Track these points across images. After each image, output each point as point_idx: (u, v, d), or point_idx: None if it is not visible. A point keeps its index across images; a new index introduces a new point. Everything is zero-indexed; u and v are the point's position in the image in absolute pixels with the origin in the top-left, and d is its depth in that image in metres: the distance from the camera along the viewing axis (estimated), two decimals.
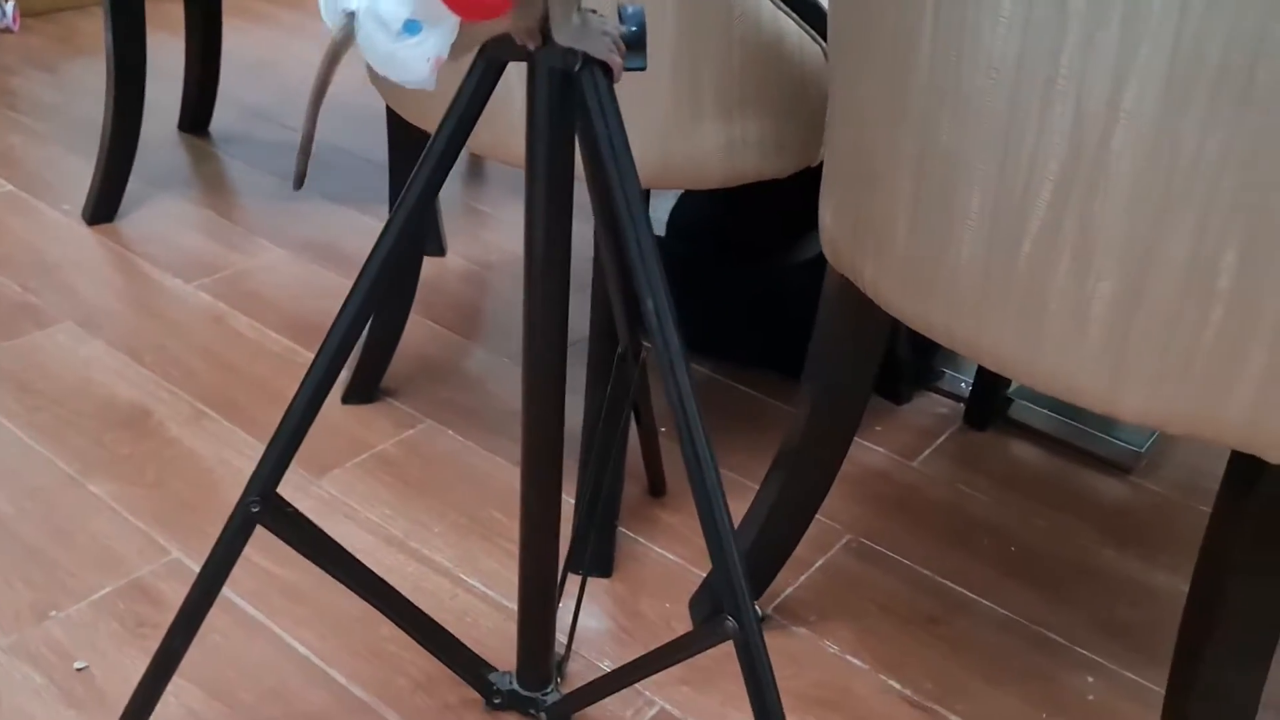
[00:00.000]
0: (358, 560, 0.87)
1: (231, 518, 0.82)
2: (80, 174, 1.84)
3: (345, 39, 0.66)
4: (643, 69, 0.71)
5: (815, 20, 0.99)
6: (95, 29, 2.56)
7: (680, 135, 0.98)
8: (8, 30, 2.52)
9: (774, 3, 0.95)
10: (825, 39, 0.99)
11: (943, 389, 1.48)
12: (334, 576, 0.86)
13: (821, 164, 1.06)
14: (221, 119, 2.14)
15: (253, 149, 2.07)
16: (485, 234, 1.81)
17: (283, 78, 2.42)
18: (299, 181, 0.76)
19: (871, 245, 0.80)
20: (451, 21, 0.63)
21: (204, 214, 1.82)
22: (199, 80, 2.07)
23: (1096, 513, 1.28)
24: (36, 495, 1.18)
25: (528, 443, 0.84)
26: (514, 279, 1.67)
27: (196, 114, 2.10)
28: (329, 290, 1.60)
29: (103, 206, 1.74)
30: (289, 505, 0.83)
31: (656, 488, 1.26)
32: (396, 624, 0.91)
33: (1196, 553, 0.82)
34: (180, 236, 1.74)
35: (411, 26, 0.63)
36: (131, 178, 1.76)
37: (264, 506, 0.81)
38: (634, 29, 0.70)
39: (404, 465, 1.27)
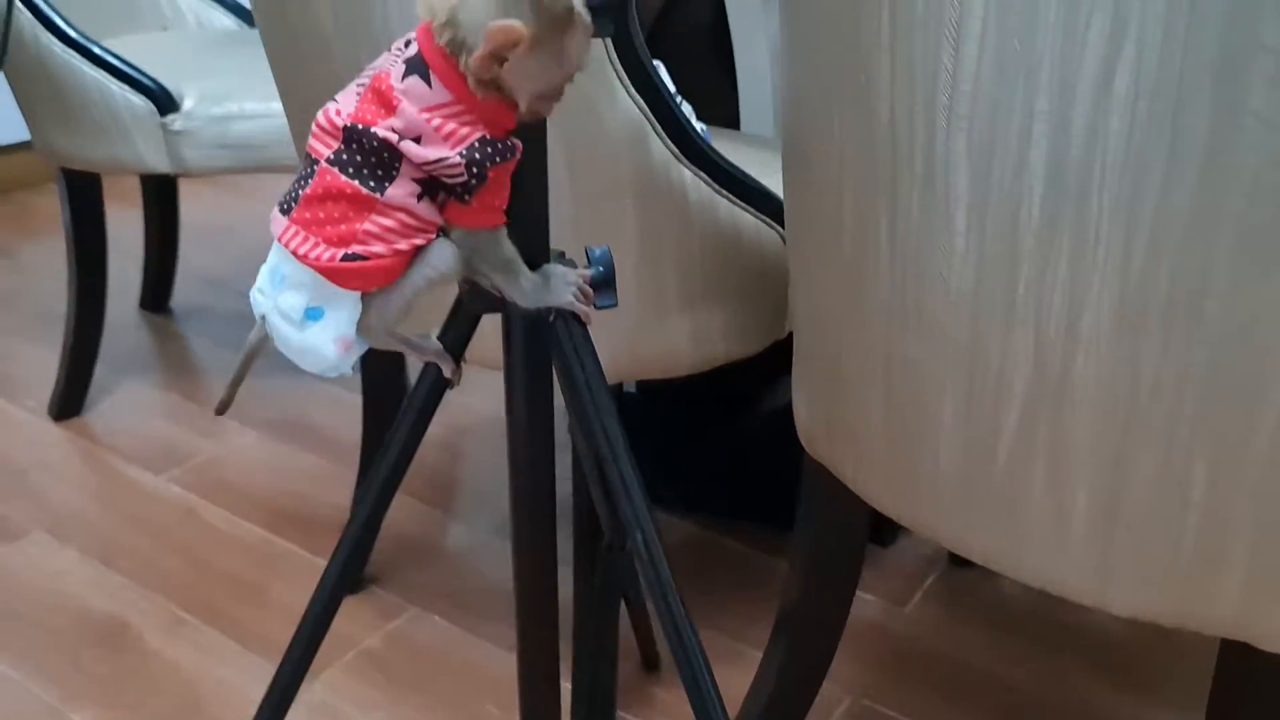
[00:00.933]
0: None
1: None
2: (43, 365, 1.83)
3: (260, 341, 0.68)
4: (614, 305, 0.72)
5: (770, 207, 1.01)
6: (50, 207, 2.58)
7: (648, 332, 1.00)
8: None
9: (728, 199, 0.97)
10: (781, 224, 1.02)
11: None
12: None
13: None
14: (181, 291, 2.15)
15: (214, 323, 2.08)
16: (459, 396, 1.81)
17: (240, 242, 2.44)
18: (222, 409, 0.77)
19: (848, 445, 0.82)
20: (352, 299, 0.64)
21: (170, 399, 1.81)
22: (158, 257, 2.08)
23: (1090, 648, 1.28)
24: None
25: (523, 648, 0.83)
26: (491, 444, 1.67)
27: (157, 291, 2.10)
28: (301, 472, 1.59)
29: (69, 401, 1.73)
30: None
31: (650, 662, 1.24)
32: None
33: (1191, 684, 0.82)
34: (147, 425, 1.73)
35: (313, 313, 0.64)
36: (96, 364, 1.76)
37: None
38: (600, 269, 0.72)
39: (393, 661, 1.25)
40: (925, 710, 1.18)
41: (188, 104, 1.51)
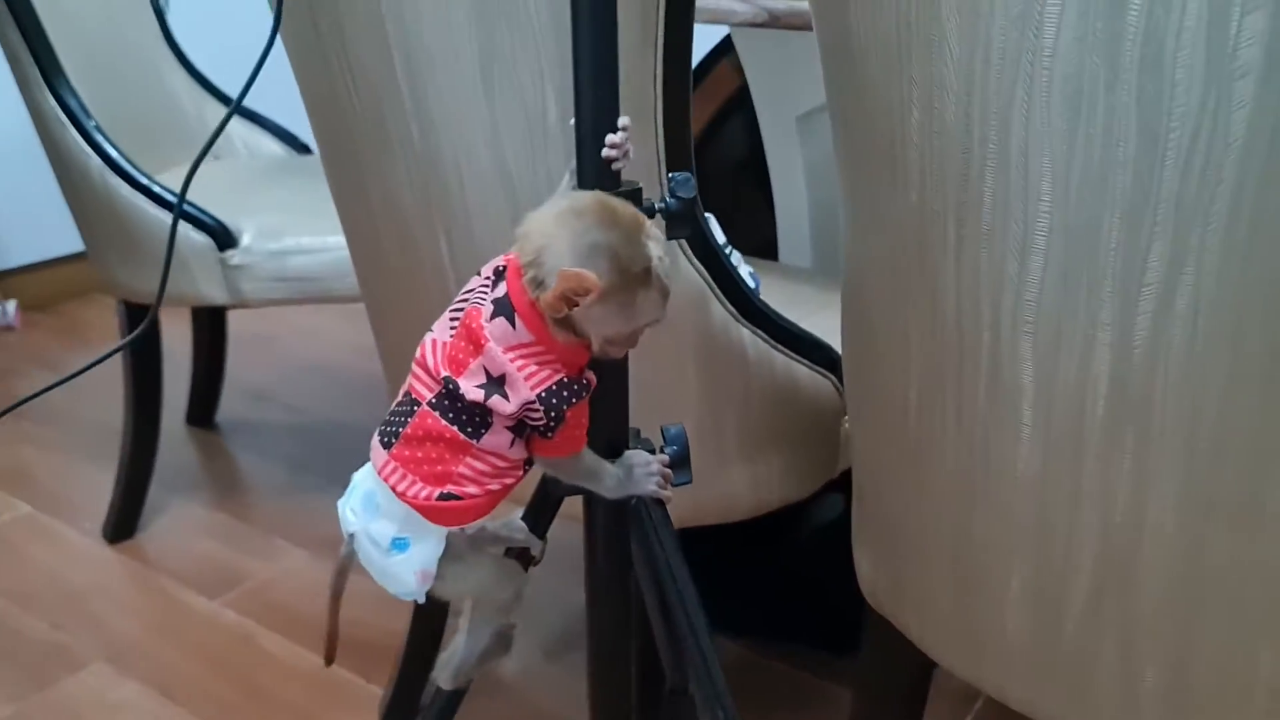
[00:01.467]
0: None
1: None
2: (96, 484, 1.87)
3: (349, 556, 0.72)
4: (689, 483, 0.76)
5: (822, 357, 1.05)
6: (98, 318, 2.65)
7: (709, 483, 1.03)
8: (9, 328, 2.60)
9: (784, 353, 1.01)
10: (833, 374, 1.06)
11: None
12: None
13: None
14: (226, 404, 2.19)
15: (260, 437, 2.12)
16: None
17: (281, 352, 2.50)
18: (330, 659, 0.80)
19: (913, 606, 0.84)
20: (437, 535, 0.68)
21: (220, 519, 1.85)
22: (206, 373, 2.13)
23: None
24: None
25: None
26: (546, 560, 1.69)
27: (204, 406, 2.15)
28: (353, 595, 1.61)
29: (123, 524, 1.77)
30: None
31: None
32: None
33: None
34: (200, 547, 1.76)
35: (399, 544, 0.68)
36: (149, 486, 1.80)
37: None
38: (676, 449, 0.75)
39: None
40: None
41: (245, 239, 1.57)
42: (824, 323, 1.06)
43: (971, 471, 0.73)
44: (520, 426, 0.65)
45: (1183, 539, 0.65)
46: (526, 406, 0.63)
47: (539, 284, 0.61)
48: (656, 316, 0.63)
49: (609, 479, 0.71)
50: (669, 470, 0.74)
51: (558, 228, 0.61)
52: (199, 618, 1.58)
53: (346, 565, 0.71)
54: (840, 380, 1.08)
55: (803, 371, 1.03)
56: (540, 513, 0.76)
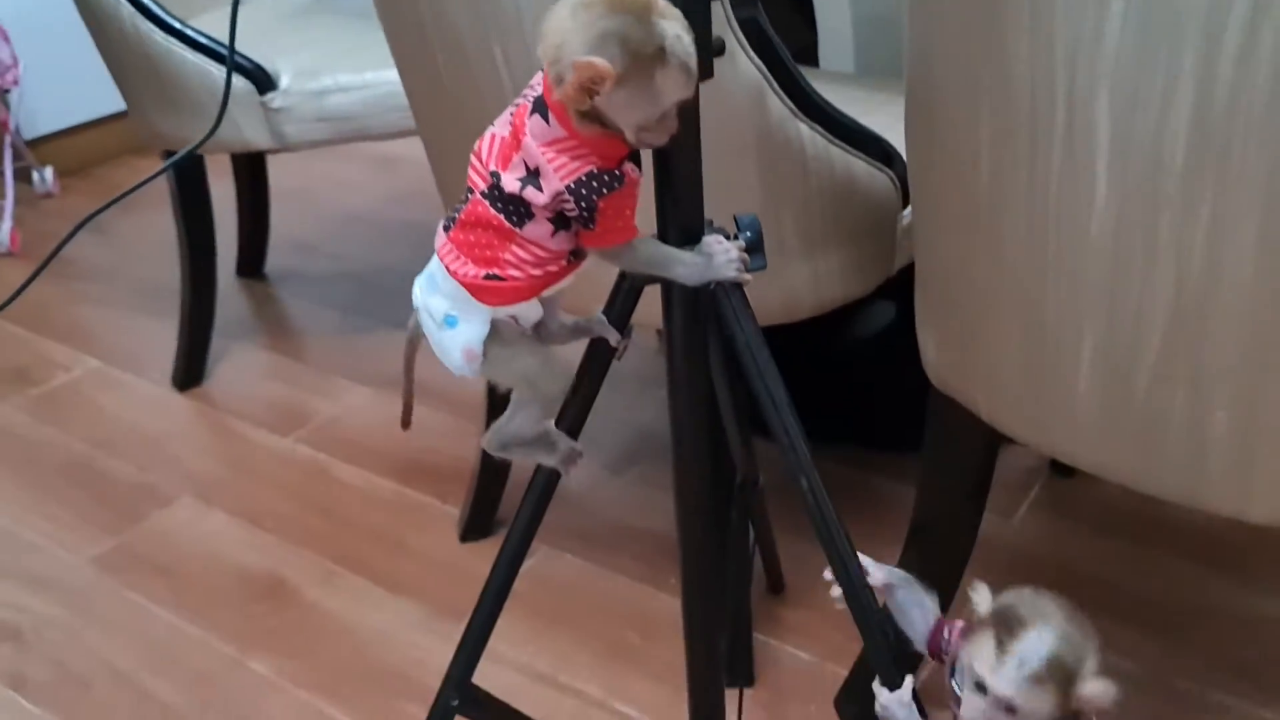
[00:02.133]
0: None
1: (431, 713, 0.89)
2: (158, 337, 1.92)
3: (415, 328, 0.76)
4: (764, 267, 0.77)
5: (879, 151, 1.05)
6: (133, 180, 2.66)
7: (770, 279, 1.04)
8: (49, 195, 2.62)
9: (842, 148, 1.02)
10: (888, 166, 1.06)
11: None
12: None
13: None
14: (271, 257, 2.22)
15: (308, 285, 2.15)
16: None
17: (321, 205, 2.51)
18: (407, 423, 0.84)
19: (982, 383, 0.87)
20: (482, 317, 0.72)
21: (280, 361, 1.90)
22: (252, 225, 2.15)
23: (1197, 546, 1.34)
24: (207, 681, 1.25)
25: (687, 580, 0.90)
26: (605, 384, 1.74)
27: (252, 258, 2.18)
28: (421, 426, 1.67)
29: (191, 371, 1.82)
30: (482, 691, 0.89)
31: (775, 585, 1.32)
32: None
33: None
34: (265, 390, 1.82)
35: (450, 320, 0.73)
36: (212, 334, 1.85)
37: (462, 699, 0.88)
38: (750, 234, 0.77)
39: (533, 597, 1.34)
40: None
41: (284, 81, 1.57)
42: (878, 121, 1.05)
43: (1044, 237, 0.74)
44: (561, 219, 0.67)
45: (1261, 284, 0.66)
46: (558, 197, 0.65)
47: (560, 80, 0.62)
48: (682, 95, 0.63)
49: (682, 266, 0.73)
50: (746, 255, 0.75)
51: (571, 21, 0.62)
52: (274, 454, 1.65)
53: (414, 337, 0.77)
54: (897, 175, 1.08)
55: (860, 166, 1.04)
56: (621, 305, 0.78)
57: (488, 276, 0.69)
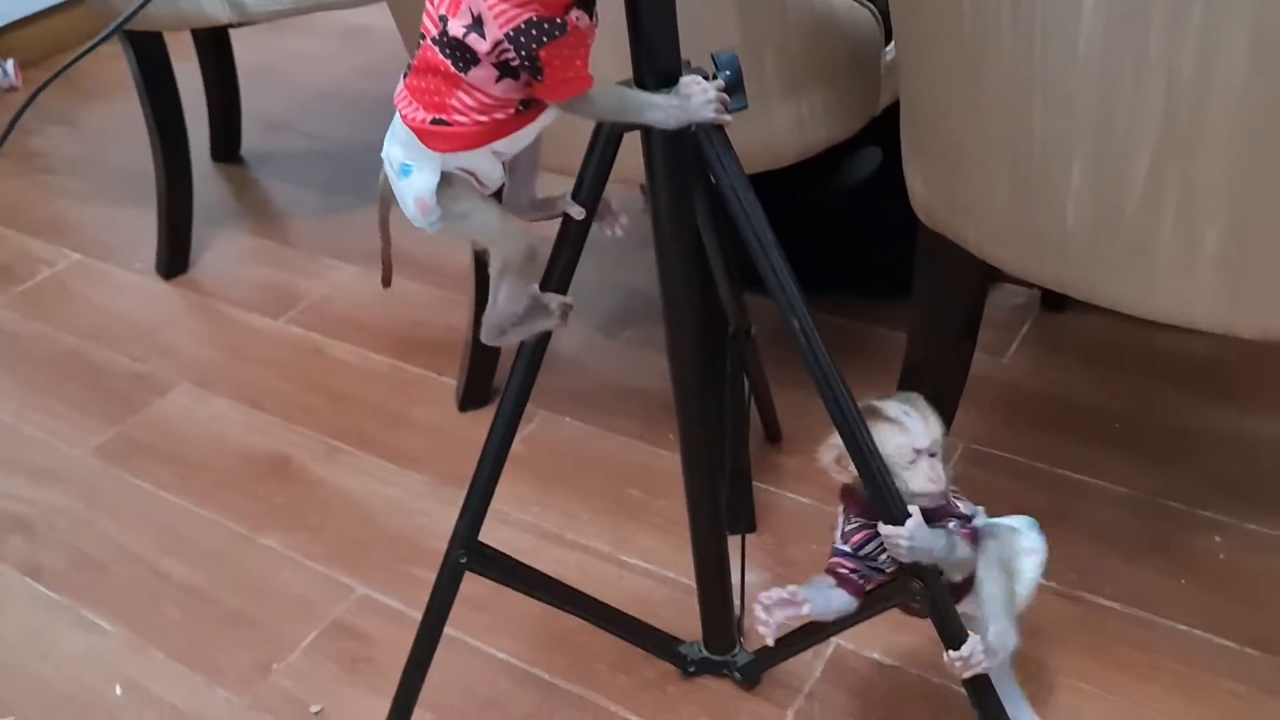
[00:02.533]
0: (556, 580, 0.96)
1: (441, 571, 0.91)
2: (137, 227, 1.89)
3: (385, 182, 0.75)
4: (745, 107, 0.76)
5: None
6: (98, 70, 2.58)
7: (753, 123, 1.02)
8: (13, 89, 2.55)
9: None
10: (871, 2, 1.03)
11: (1015, 278, 1.53)
12: (538, 599, 0.96)
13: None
14: (246, 139, 2.18)
15: (286, 166, 2.12)
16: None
17: (290, 82, 2.45)
18: (387, 280, 0.84)
19: (971, 216, 0.86)
20: (431, 166, 0.70)
21: (265, 245, 1.88)
22: (223, 107, 2.10)
23: (1186, 372, 1.35)
24: (219, 559, 1.28)
25: (685, 433, 0.92)
26: (592, 249, 1.72)
27: (226, 140, 2.13)
28: (409, 300, 1.66)
29: (175, 259, 1.80)
30: (489, 548, 0.91)
31: (772, 434, 1.34)
32: (593, 623, 1.01)
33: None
34: (252, 273, 1.80)
35: (405, 169, 0.71)
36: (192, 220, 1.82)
37: (470, 555, 0.90)
38: (729, 73, 0.75)
39: (536, 460, 1.35)
40: (1034, 449, 1.27)
41: None
42: None
43: (1030, 61, 0.72)
44: (507, 68, 0.66)
45: (1252, 93, 0.65)
46: (499, 46, 0.64)
47: None
48: None
49: (657, 110, 0.71)
50: (725, 95, 0.73)
51: None
52: (267, 337, 1.65)
53: (385, 193, 0.75)
54: (878, 9, 1.05)
55: (840, 1, 1.01)
56: (600, 157, 0.76)
57: (434, 121, 0.68)
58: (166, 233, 1.79)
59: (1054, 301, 1.48)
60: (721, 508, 0.97)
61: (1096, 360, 1.39)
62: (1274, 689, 0.99)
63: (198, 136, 2.12)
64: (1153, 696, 1.00)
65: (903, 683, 1.04)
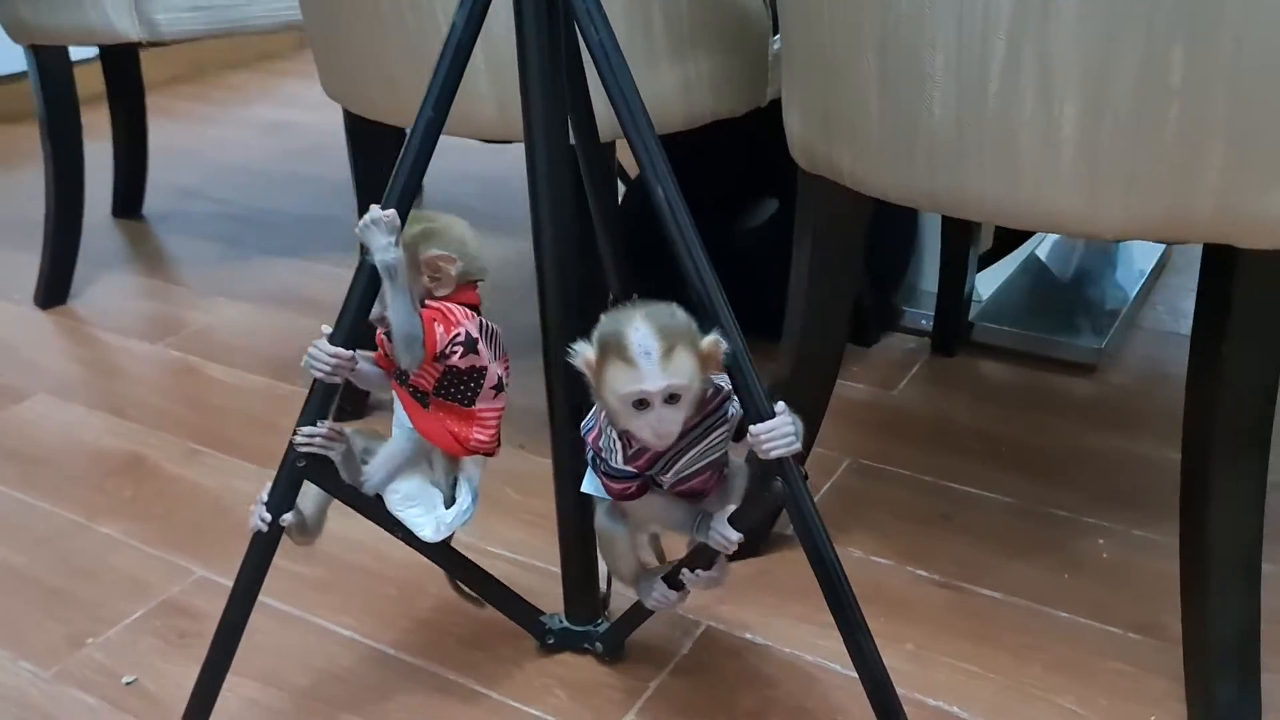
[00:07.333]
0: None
1: (278, 476, 0.84)
2: (22, 265, 1.83)
3: None
4: None
5: None
6: (16, 143, 2.57)
7: (641, 82, 1.03)
8: None
9: None
10: None
11: (906, 326, 1.55)
12: (383, 527, 0.88)
13: (765, 113, 1.13)
14: (153, 202, 2.15)
15: (188, 223, 2.09)
16: None
17: (208, 159, 2.45)
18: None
19: (845, 133, 0.87)
20: None
21: (154, 284, 1.83)
22: (127, 166, 2.09)
23: (1073, 409, 1.35)
24: (46, 543, 1.17)
25: (552, 384, 0.88)
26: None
27: (128, 198, 2.11)
28: (300, 332, 1.61)
29: (54, 290, 1.74)
30: (331, 464, 0.85)
31: None
32: (449, 573, 0.93)
33: (1175, 427, 0.88)
34: (136, 306, 1.74)
35: None
36: (78, 255, 1.77)
37: (310, 461, 0.83)
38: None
39: None
40: (921, 463, 1.24)
41: None
42: None
43: None
44: None
45: None
46: None
47: None
48: None
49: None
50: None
51: None
52: (140, 357, 1.57)
53: None
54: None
55: None
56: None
57: None
58: (49, 264, 1.74)
59: (944, 346, 1.49)
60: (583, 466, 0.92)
61: (985, 397, 1.39)
62: (1160, 669, 0.94)
63: (104, 199, 2.09)
64: (1035, 676, 0.94)
65: (774, 659, 0.97)
